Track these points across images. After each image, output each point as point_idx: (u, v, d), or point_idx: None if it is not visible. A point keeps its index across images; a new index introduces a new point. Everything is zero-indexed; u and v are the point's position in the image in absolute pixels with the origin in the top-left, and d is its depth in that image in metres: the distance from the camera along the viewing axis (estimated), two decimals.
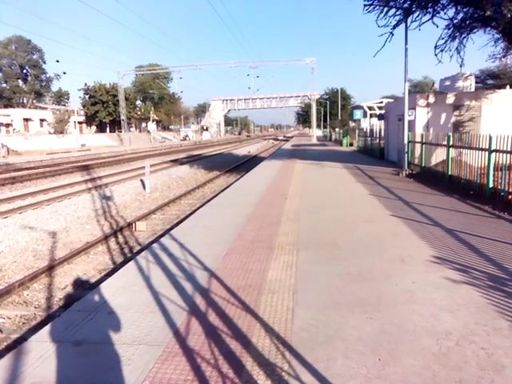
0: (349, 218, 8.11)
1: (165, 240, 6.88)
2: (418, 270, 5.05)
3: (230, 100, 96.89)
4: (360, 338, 3.46)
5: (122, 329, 3.76)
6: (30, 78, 77.30)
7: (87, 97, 67.67)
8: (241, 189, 13.09)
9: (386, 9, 14.10)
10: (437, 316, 3.82)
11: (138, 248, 8.60)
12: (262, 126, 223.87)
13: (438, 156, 13.13)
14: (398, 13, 14.14)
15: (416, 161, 15.21)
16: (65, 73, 69.71)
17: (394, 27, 14.44)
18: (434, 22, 13.81)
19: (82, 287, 6.55)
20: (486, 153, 9.76)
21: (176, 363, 3.17)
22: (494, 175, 9.55)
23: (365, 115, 40.97)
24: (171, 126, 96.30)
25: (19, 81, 76.24)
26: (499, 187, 9.22)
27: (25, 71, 76.96)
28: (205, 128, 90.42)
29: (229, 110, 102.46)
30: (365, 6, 14.32)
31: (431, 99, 16.40)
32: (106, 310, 4.19)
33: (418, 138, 15.11)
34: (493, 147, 9.51)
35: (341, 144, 39.98)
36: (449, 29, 14.45)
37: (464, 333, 3.49)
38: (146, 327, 3.77)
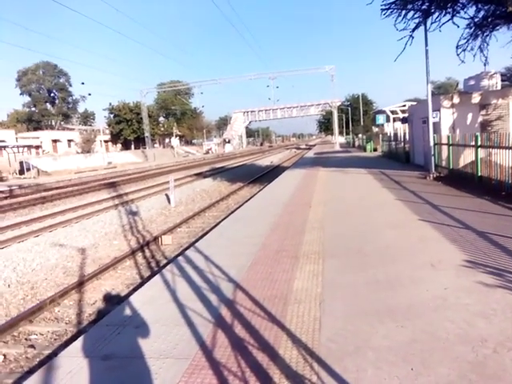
0: (375, 224, 7.94)
1: (190, 252, 6.91)
2: (449, 275, 4.87)
3: (251, 112, 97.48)
4: (391, 348, 3.35)
5: (149, 342, 3.77)
6: (57, 101, 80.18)
7: (112, 116, 69.53)
8: (264, 199, 13.07)
9: (404, 12, 13.95)
10: (471, 322, 3.65)
11: (164, 261, 8.67)
12: (284, 135, 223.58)
13: (467, 157, 12.75)
14: (416, 15, 13.97)
15: (443, 163, 14.83)
16: (90, 94, 71.72)
17: (414, 30, 14.25)
18: (454, 22, 13.57)
19: (111, 302, 6.63)
20: None
21: (203, 376, 3.14)
22: None
23: (388, 120, 40.38)
24: (194, 140, 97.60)
25: (47, 104, 79.21)
26: None
27: (52, 94, 79.93)
28: (227, 140, 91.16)
29: (250, 122, 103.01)
30: (382, 10, 14.21)
31: (456, 100, 16.02)
32: (133, 324, 4.21)
33: (444, 140, 14.75)
34: None
35: (364, 150, 39.50)
36: (470, 28, 14.15)
37: (501, 339, 3.33)
38: (173, 340, 3.77)
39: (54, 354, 4.77)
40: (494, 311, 3.83)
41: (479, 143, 11.61)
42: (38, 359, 4.99)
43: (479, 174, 11.66)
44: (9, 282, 7.80)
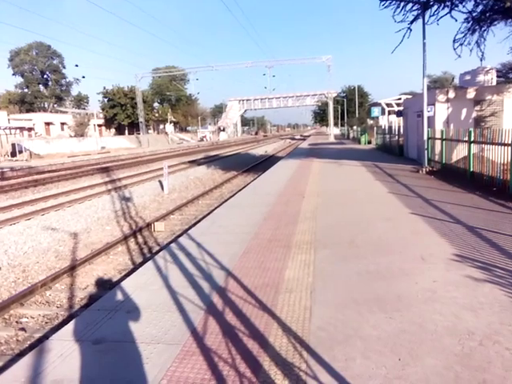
0: (367, 216, 8.00)
1: (183, 240, 6.93)
2: (438, 268, 4.94)
3: (247, 100, 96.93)
4: (379, 338, 3.40)
5: (141, 328, 3.80)
6: (50, 83, 78.96)
7: (106, 100, 68.59)
8: (258, 188, 13.08)
9: (402, 3, 13.90)
10: (459, 315, 3.72)
11: (156, 248, 8.68)
12: (279, 125, 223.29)
13: (459, 152, 12.84)
14: (415, 7, 13.94)
15: (436, 157, 14.92)
16: (84, 77, 70.07)
17: (412, 22, 14.22)
18: (452, 16, 13.56)
19: (103, 287, 6.64)
20: (509, 148, 9.49)
21: (193, 362, 3.18)
22: None
23: (383, 112, 40.47)
24: (188, 128, 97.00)
25: (40, 86, 77.99)
26: None
27: (45, 76, 78.67)
28: (222, 128, 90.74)
29: (245, 110, 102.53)
30: (381, 0, 14.14)
31: (451, 94, 16.06)
32: (124, 309, 4.23)
33: (437, 135, 14.82)
34: None
35: (359, 142, 39.57)
36: (468, 22, 14.14)
37: (487, 333, 3.40)
38: (164, 326, 3.80)
39: (45, 337, 4.78)
40: (481, 305, 3.90)
41: (472, 139, 11.69)
42: (28, 342, 5.00)
43: (471, 170, 11.76)
44: (0, 264, 7.77)
